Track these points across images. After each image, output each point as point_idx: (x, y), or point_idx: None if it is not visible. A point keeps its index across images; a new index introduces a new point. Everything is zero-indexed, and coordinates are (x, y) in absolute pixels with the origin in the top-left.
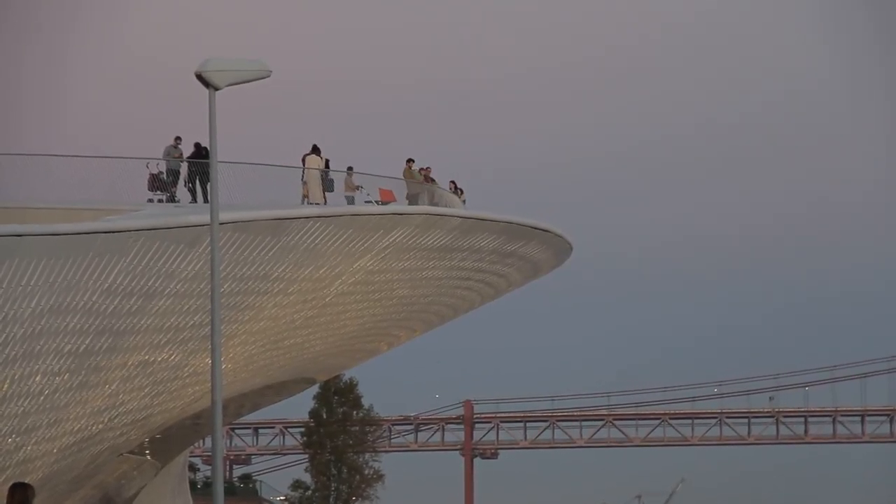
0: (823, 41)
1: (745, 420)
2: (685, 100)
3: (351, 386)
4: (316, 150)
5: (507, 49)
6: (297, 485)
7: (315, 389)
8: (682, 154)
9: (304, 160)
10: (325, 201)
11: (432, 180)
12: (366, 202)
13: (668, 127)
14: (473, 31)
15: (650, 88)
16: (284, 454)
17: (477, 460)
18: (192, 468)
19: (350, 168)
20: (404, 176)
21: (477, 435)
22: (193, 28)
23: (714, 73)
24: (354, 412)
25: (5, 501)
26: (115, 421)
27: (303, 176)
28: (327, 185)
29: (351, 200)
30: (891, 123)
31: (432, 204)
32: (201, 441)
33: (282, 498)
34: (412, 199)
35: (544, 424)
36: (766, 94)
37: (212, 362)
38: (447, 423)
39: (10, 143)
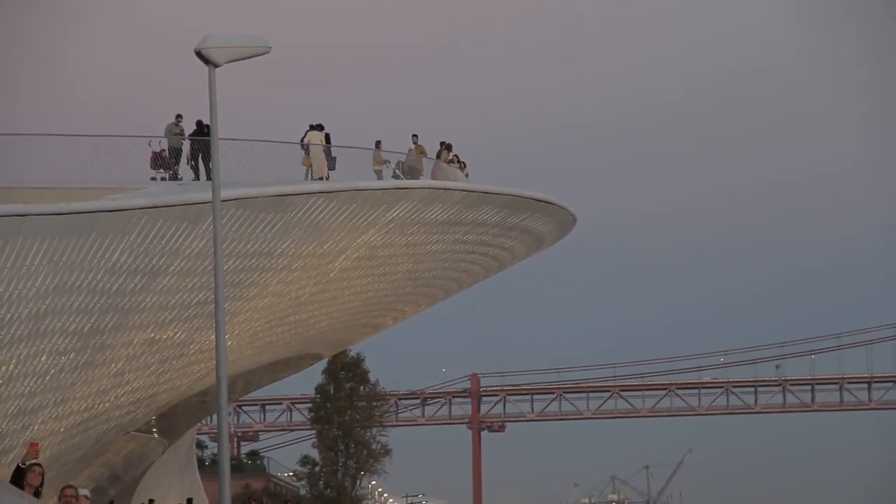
0: (797, 14)
1: (752, 389)
2: (673, 69)
3: (357, 361)
4: (317, 126)
5: (492, 18)
6: (304, 460)
7: (322, 365)
8: (682, 121)
9: (305, 136)
10: (328, 176)
11: (453, 156)
12: (393, 177)
13: (664, 94)
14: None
15: (632, 59)
16: (292, 430)
17: (484, 433)
18: (200, 445)
19: (378, 142)
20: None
21: (484, 408)
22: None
23: (696, 43)
24: (361, 387)
25: (26, 480)
26: (122, 399)
27: (305, 150)
28: (330, 161)
29: (379, 175)
30: (865, 88)
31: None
32: (208, 418)
33: (290, 473)
34: (411, 174)
35: (551, 396)
36: (754, 64)
37: (216, 339)
38: (454, 397)
39: (13, 116)
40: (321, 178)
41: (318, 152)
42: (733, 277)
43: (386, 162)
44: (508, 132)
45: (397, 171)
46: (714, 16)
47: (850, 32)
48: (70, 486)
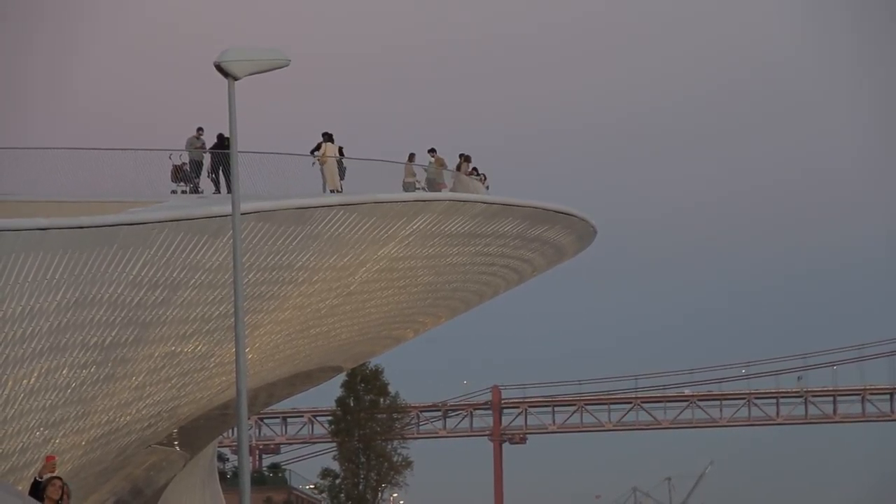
0: (801, 15)
1: (774, 400)
2: (675, 71)
3: (376, 373)
4: (329, 137)
5: (493, 19)
6: (326, 473)
7: (342, 378)
8: (693, 121)
9: (318, 147)
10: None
11: (472, 168)
12: (418, 188)
13: (680, 92)
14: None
15: (634, 61)
16: (313, 443)
17: (505, 445)
18: (222, 458)
19: (412, 155)
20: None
21: (505, 420)
22: (212, 9)
23: (699, 44)
24: (381, 399)
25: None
26: (143, 412)
27: (318, 161)
28: (341, 171)
29: (410, 187)
30: (867, 88)
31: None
32: (230, 431)
33: (311, 486)
34: (431, 186)
35: (572, 408)
36: (759, 64)
37: (236, 352)
38: (475, 409)
39: (27, 128)
40: (336, 190)
41: (331, 164)
42: (755, 289)
43: (424, 175)
44: (514, 134)
45: (423, 185)
46: (717, 16)
47: (852, 34)
48: (57, 477)
